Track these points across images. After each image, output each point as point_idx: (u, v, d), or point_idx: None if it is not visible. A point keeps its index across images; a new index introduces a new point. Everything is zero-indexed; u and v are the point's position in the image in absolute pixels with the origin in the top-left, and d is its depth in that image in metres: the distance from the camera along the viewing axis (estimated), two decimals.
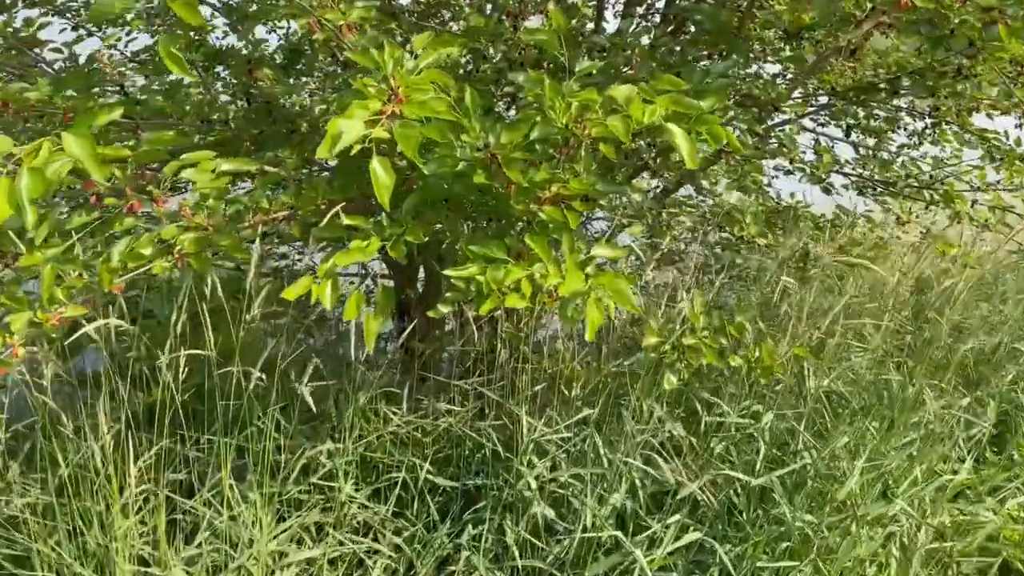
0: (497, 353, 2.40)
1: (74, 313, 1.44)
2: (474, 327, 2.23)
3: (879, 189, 2.81)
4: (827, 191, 2.79)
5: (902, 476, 2.40)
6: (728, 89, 1.70)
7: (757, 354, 2.30)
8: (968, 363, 3.07)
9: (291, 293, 1.53)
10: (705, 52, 2.09)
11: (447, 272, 1.53)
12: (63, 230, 1.47)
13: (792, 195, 3.75)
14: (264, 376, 1.99)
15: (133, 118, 2.15)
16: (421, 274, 3.11)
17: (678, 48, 2.04)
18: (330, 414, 2.49)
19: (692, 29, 2.06)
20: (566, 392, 2.54)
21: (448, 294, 1.81)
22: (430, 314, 1.70)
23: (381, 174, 1.21)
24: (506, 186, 1.69)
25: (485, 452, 2.33)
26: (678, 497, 2.04)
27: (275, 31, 3.71)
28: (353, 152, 1.19)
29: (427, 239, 1.71)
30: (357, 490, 2.28)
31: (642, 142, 2.40)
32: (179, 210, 1.60)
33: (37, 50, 2.64)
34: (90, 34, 3.04)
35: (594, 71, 1.67)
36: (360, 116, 1.16)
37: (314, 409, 1.93)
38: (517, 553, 2.09)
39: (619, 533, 2.04)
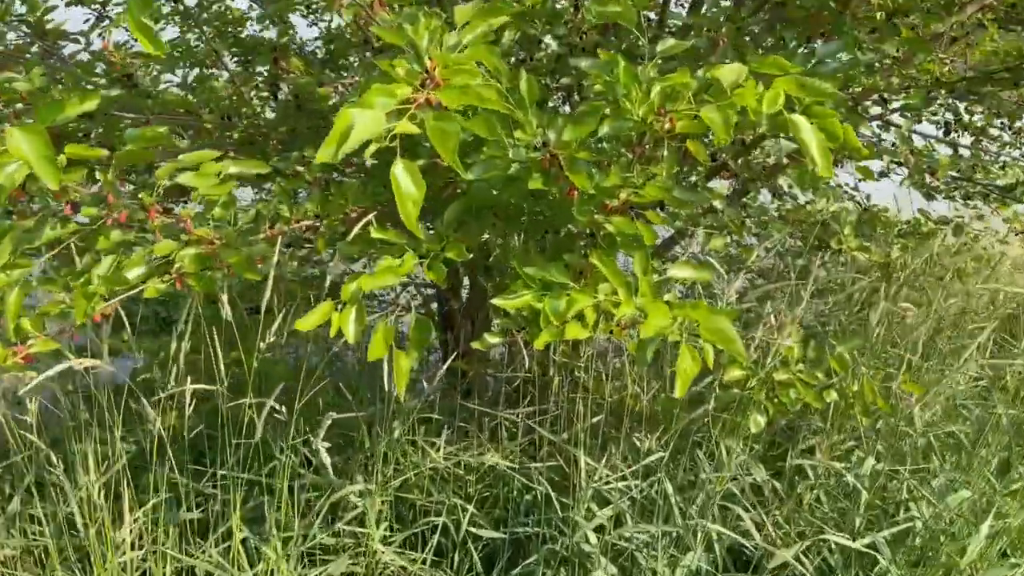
0: (550, 377, 2.11)
1: (43, 348, 1.18)
2: (524, 353, 1.94)
3: (993, 195, 2.45)
4: (930, 196, 2.44)
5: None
6: (841, 77, 1.38)
7: (856, 388, 1.97)
8: None
9: (306, 323, 1.25)
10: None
11: (495, 301, 1.24)
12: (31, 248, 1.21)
13: (868, 197, 3.39)
14: (283, 407, 1.73)
15: (144, 113, 1.91)
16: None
17: (771, 29, 1.73)
18: (363, 442, 2.22)
19: (786, 6, 1.74)
20: (627, 423, 2.24)
21: (497, 321, 1.52)
22: (475, 345, 1.42)
23: (405, 183, 0.92)
24: (567, 192, 1.40)
25: (536, 494, 2.04)
26: (770, 568, 1.72)
27: (316, 24, 3.47)
28: (369, 152, 0.91)
29: (471, 254, 1.42)
30: (390, 536, 2.01)
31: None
32: (178, 221, 1.34)
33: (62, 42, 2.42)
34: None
35: (678, 54, 1.37)
36: (383, 105, 0.87)
37: (330, 469, 1.65)
38: None
39: None
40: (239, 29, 2.61)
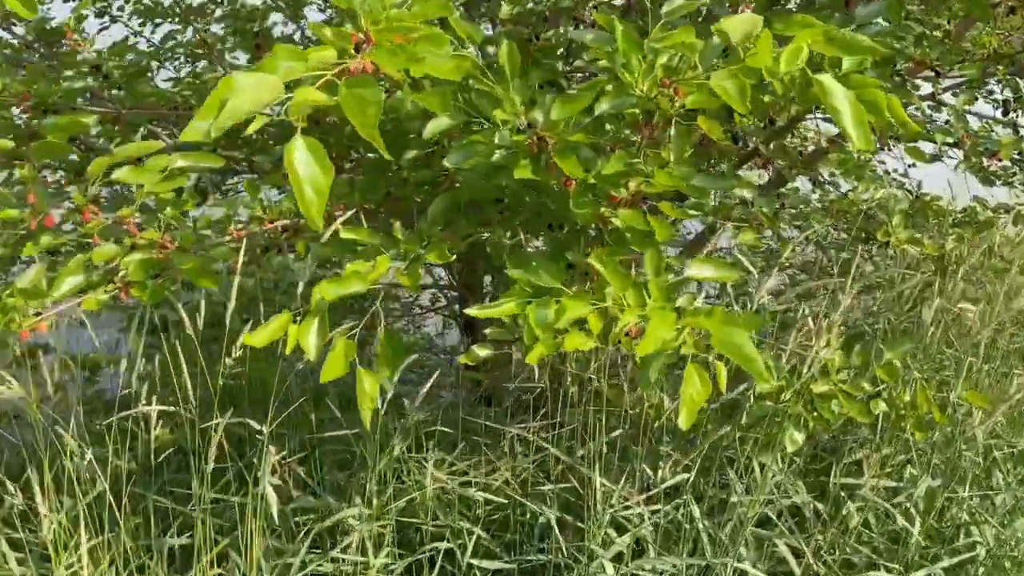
0: (564, 387, 1.92)
1: None
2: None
3: None
4: (988, 182, 2.20)
5: None
6: (886, 42, 1.17)
7: (908, 398, 1.75)
8: None
9: (257, 338, 1.09)
10: None
11: (470, 311, 1.06)
12: None
13: (919, 184, 3.12)
14: (267, 424, 1.57)
15: (116, 107, 1.76)
16: None
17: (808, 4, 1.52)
18: (364, 456, 2.06)
19: None
20: (649, 436, 2.05)
21: (488, 331, 1.34)
22: (461, 360, 1.24)
23: (304, 164, 0.71)
24: (563, 182, 1.21)
25: (550, 518, 1.85)
26: None
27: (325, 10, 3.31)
28: (253, 128, 0.74)
29: (455, 255, 1.24)
30: (392, 563, 1.84)
31: (748, 120, 1.87)
32: (119, 223, 1.18)
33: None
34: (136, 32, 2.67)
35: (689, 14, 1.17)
36: (287, 71, 0.69)
37: (275, 509, 1.48)
38: None
39: None
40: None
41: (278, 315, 1.12)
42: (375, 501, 1.85)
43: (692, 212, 1.34)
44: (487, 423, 1.93)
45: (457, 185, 1.49)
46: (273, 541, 1.80)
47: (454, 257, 1.20)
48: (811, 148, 2.66)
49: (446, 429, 2.16)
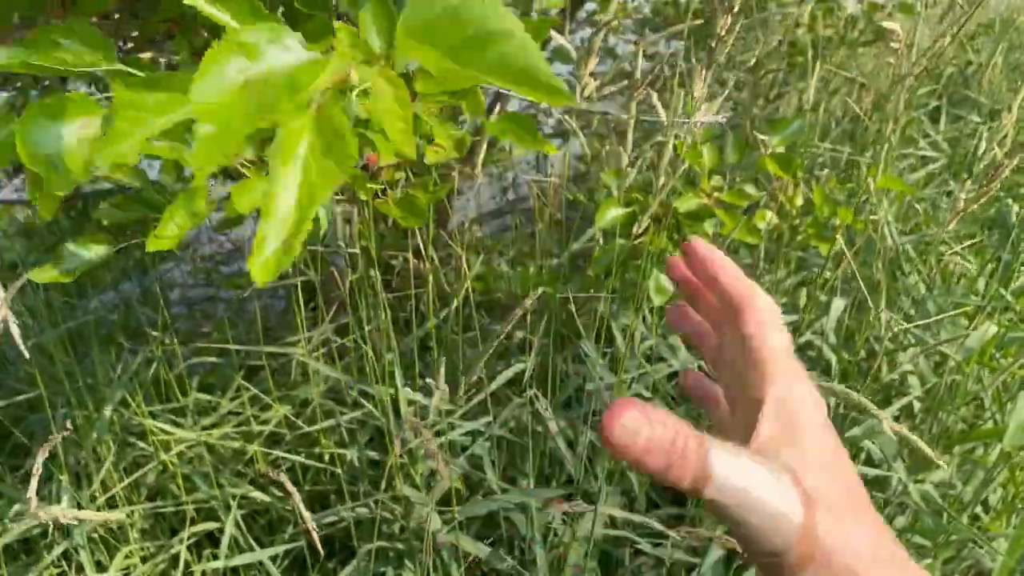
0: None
1: None
2: None
3: None
4: None
5: None
6: None
7: (800, 202, 1.27)
8: None
9: None
10: None
11: None
12: None
13: None
14: None
15: None
16: None
17: None
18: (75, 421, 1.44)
19: None
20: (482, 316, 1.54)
21: None
22: (33, 276, 0.64)
23: None
24: None
25: (354, 459, 1.32)
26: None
27: None
28: None
29: None
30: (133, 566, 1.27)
31: None
32: None
33: None
34: None
35: None
36: None
37: None
38: None
39: None
40: None
41: None
42: (94, 484, 1.26)
43: None
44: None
45: None
46: None
47: None
48: None
49: (215, 360, 1.59)
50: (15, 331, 0.73)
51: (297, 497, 0.77)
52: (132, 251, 2.30)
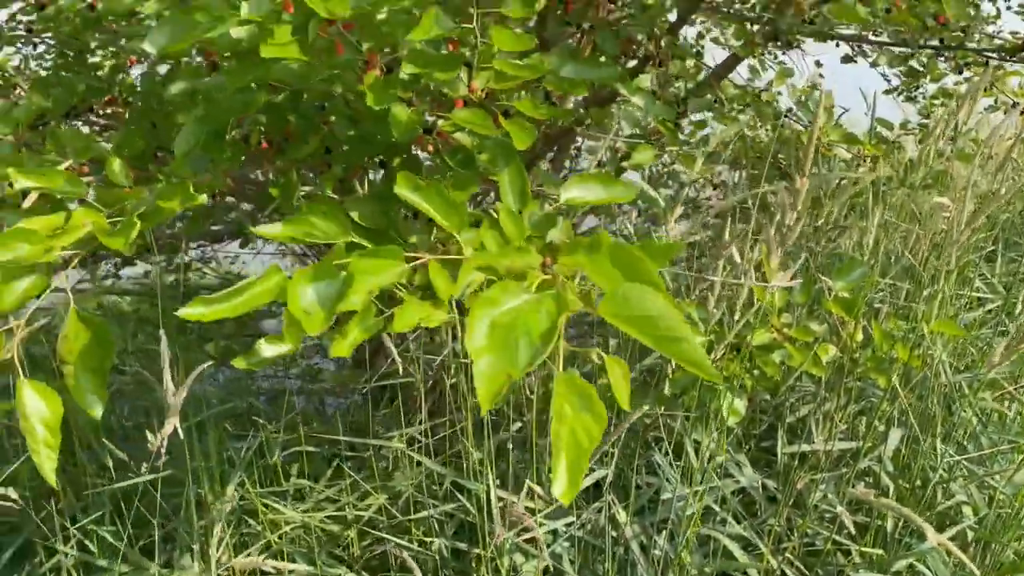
0: (440, 382, 1.51)
1: None
2: (393, 350, 1.33)
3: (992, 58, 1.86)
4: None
5: None
6: None
7: (861, 337, 1.40)
8: None
9: None
10: None
11: (181, 313, 0.64)
12: None
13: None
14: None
15: None
16: None
17: None
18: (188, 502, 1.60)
19: None
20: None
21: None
22: (235, 363, 0.82)
23: None
24: (360, 73, 0.79)
25: (440, 547, 1.44)
26: None
27: None
28: None
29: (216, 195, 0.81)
30: None
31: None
32: None
33: None
34: None
35: None
36: None
37: None
38: None
39: None
40: None
41: None
42: (214, 557, 1.40)
43: (558, 109, 0.93)
44: (319, 434, 1.50)
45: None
46: None
47: (204, 198, 0.76)
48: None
49: (312, 449, 1.74)
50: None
51: (418, 572, 0.90)
52: None
